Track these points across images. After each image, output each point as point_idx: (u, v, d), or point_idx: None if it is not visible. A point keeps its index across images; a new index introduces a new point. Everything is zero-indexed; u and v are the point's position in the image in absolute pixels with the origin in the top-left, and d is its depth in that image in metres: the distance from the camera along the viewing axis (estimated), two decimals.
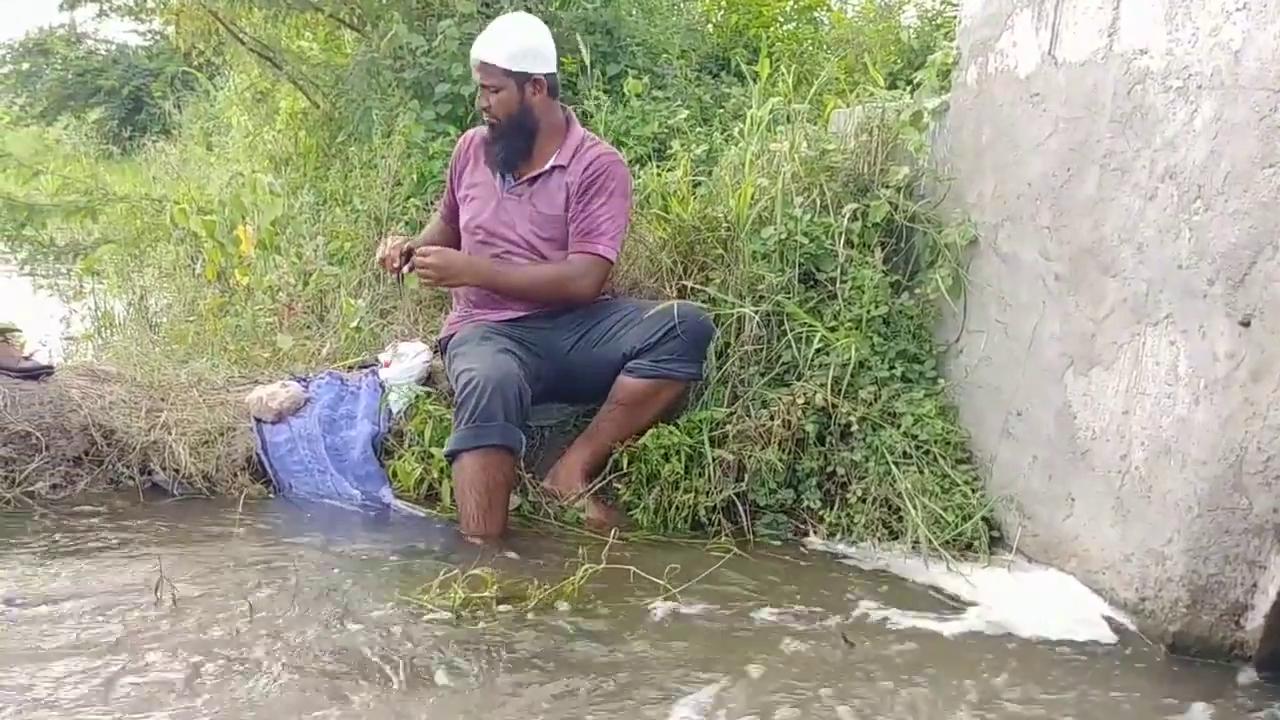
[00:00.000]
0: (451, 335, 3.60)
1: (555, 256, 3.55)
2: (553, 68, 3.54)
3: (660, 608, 2.82)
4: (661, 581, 2.88)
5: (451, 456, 3.27)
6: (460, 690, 2.39)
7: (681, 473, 3.40)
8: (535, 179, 3.56)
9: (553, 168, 3.54)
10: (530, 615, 2.74)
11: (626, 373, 3.44)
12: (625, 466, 3.45)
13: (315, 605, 2.76)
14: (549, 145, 3.56)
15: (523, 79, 3.47)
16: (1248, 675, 2.53)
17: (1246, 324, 2.44)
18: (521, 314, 3.56)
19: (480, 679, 2.43)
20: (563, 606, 2.79)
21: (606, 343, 3.48)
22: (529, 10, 4.82)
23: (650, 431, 3.43)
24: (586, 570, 2.85)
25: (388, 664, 2.48)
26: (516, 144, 3.54)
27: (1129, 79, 2.77)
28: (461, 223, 3.69)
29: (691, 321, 3.43)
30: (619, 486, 3.48)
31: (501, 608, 2.76)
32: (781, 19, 6.29)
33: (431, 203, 4.59)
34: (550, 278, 3.53)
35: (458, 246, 3.70)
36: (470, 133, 3.79)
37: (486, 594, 2.76)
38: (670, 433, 3.42)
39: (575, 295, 3.53)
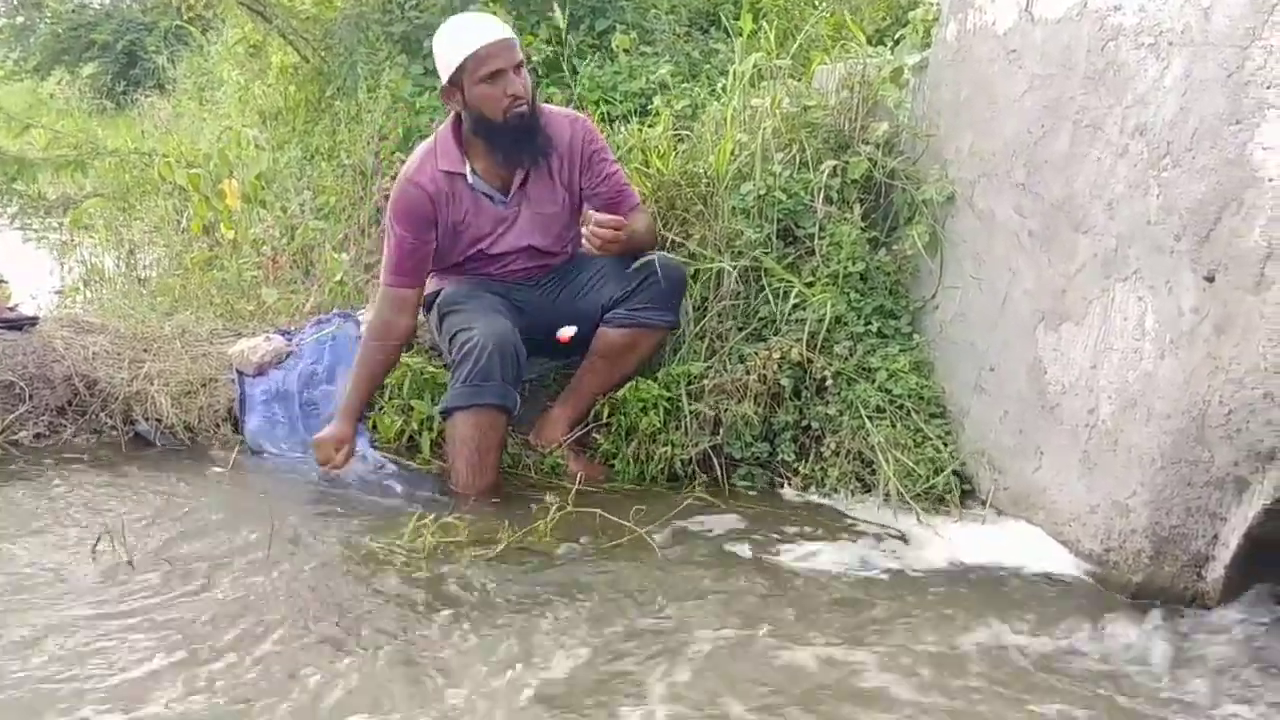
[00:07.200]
0: (439, 292, 3.56)
1: (550, 247, 3.54)
2: None
3: (627, 546, 2.90)
4: (628, 523, 2.95)
5: (445, 413, 3.29)
6: (428, 633, 2.44)
7: (659, 426, 3.43)
8: (524, 182, 3.44)
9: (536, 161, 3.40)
10: (500, 558, 2.80)
11: (604, 324, 3.45)
12: (605, 417, 3.48)
13: (287, 553, 2.81)
14: None
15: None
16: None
17: (1211, 279, 2.46)
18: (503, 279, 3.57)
19: (449, 618, 2.49)
20: (533, 549, 2.85)
21: (586, 295, 3.49)
22: None
23: (629, 385, 3.46)
24: (556, 512, 2.91)
25: (358, 608, 2.53)
26: (539, 127, 3.35)
27: (1102, 35, 2.77)
28: (465, 252, 3.49)
29: (666, 270, 3.42)
30: (598, 437, 3.51)
31: (472, 552, 2.81)
32: None
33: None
34: (652, 227, 3.58)
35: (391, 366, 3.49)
36: (419, 179, 3.37)
37: (458, 538, 2.81)
38: (648, 386, 3.45)
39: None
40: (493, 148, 3.35)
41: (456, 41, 3.25)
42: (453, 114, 3.40)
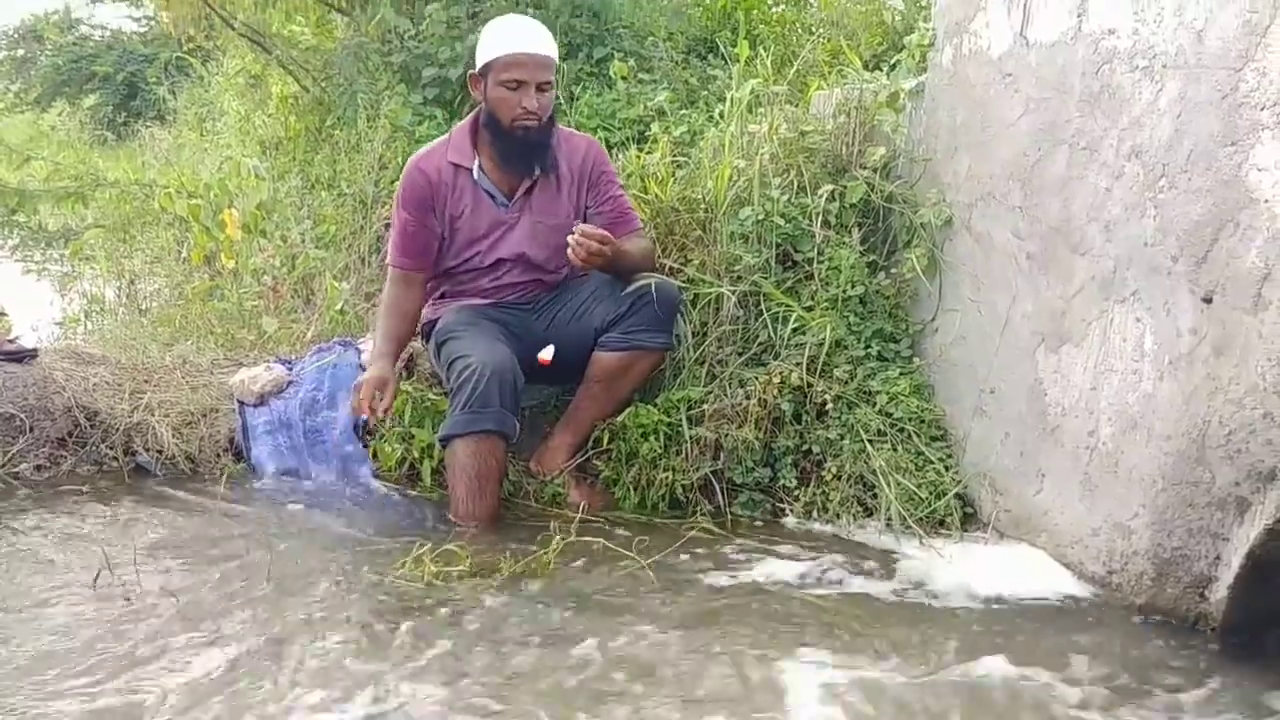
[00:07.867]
0: (435, 320, 3.56)
1: (546, 263, 3.55)
2: None
3: (629, 578, 2.88)
4: (630, 553, 2.94)
5: (444, 441, 3.28)
6: (423, 663, 2.42)
7: (660, 451, 3.42)
8: (531, 189, 3.49)
9: (545, 172, 3.46)
10: (501, 588, 2.78)
11: (599, 348, 3.44)
12: (605, 444, 3.48)
13: (288, 584, 2.80)
14: None
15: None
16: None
17: (1209, 300, 2.46)
18: (497, 299, 3.57)
19: (446, 649, 2.47)
20: (533, 579, 2.84)
21: (579, 319, 3.49)
22: None
23: (628, 411, 3.45)
24: (559, 543, 2.89)
25: (359, 638, 2.52)
26: (548, 144, 3.44)
27: (1097, 59, 2.79)
28: (461, 254, 3.52)
29: (659, 291, 3.41)
30: (599, 464, 3.51)
31: (472, 581, 2.80)
32: (770, 1, 6.29)
33: None
34: (650, 252, 3.60)
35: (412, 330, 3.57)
36: (424, 165, 3.48)
37: (459, 568, 2.80)
38: (648, 412, 3.44)
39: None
40: (495, 149, 3.43)
41: (498, 37, 3.36)
42: (475, 109, 3.49)
